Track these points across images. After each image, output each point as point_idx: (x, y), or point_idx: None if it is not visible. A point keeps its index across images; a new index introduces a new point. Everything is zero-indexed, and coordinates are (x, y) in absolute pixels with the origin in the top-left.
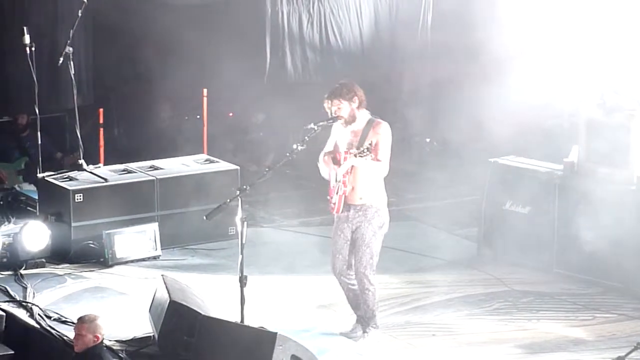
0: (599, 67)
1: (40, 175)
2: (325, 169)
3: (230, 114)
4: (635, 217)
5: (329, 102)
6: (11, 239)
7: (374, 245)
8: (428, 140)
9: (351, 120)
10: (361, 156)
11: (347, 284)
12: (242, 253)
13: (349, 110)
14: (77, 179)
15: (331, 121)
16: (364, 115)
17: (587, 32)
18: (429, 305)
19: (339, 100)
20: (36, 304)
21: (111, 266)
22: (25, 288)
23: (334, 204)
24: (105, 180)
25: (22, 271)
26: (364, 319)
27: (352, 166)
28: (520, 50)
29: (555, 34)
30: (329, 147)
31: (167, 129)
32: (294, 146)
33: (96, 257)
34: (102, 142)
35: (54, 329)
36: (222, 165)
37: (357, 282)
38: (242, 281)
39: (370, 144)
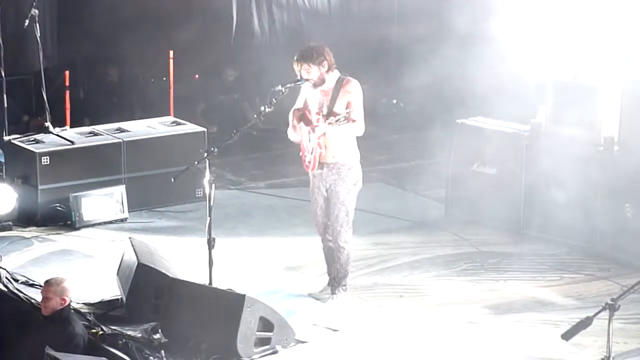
0: (567, 27)
1: (6, 138)
2: (295, 133)
3: (196, 76)
4: (601, 178)
5: (299, 65)
6: None
7: (348, 203)
8: (394, 101)
9: (320, 83)
10: (339, 124)
11: (328, 241)
12: (210, 215)
13: (318, 74)
14: (43, 142)
15: (300, 83)
16: (333, 75)
17: None
18: (396, 267)
19: (309, 65)
20: (3, 267)
21: (78, 229)
22: None
23: (309, 162)
24: (72, 142)
25: None
26: (336, 280)
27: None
28: (490, 10)
29: None
30: (298, 104)
31: (131, 91)
32: (261, 108)
33: (63, 220)
34: (68, 105)
35: (21, 292)
36: (189, 127)
37: (332, 241)
38: (210, 243)
39: (348, 112)
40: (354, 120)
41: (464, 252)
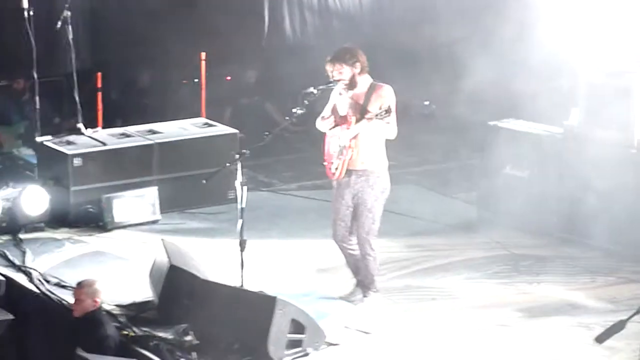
0: (599, 29)
1: (38, 139)
2: (326, 127)
3: (228, 78)
4: (635, 181)
5: (332, 66)
6: (10, 203)
7: (376, 211)
8: (427, 103)
9: (353, 85)
10: (380, 118)
11: (347, 249)
12: (241, 217)
13: (351, 75)
14: (75, 143)
15: (332, 85)
16: (365, 80)
17: None
18: (428, 269)
19: (341, 65)
20: (35, 268)
21: (110, 230)
22: (24, 253)
23: (336, 169)
24: (104, 144)
25: (21, 236)
26: (364, 284)
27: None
28: (520, 12)
29: None
30: (326, 112)
31: (163, 92)
32: (293, 110)
33: (95, 222)
34: (100, 106)
35: (53, 293)
36: (221, 129)
37: (358, 248)
38: (242, 245)
39: (388, 107)
40: (389, 121)
41: (497, 254)
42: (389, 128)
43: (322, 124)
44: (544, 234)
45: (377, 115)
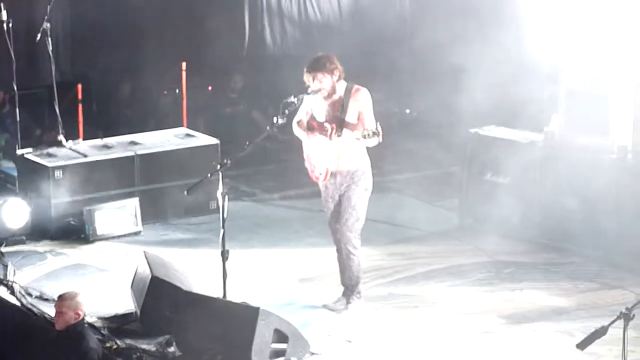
0: (579, 35)
1: (19, 152)
2: (303, 134)
3: (209, 88)
4: (616, 186)
5: (311, 75)
6: None
7: (359, 208)
8: (408, 111)
9: (332, 93)
10: (366, 139)
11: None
12: (223, 227)
13: (331, 83)
14: (56, 156)
15: (312, 94)
16: (341, 84)
17: None
18: (411, 277)
19: (322, 74)
20: (17, 281)
21: (92, 242)
22: (5, 266)
23: (320, 174)
24: (85, 156)
25: (2, 249)
26: (349, 287)
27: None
28: (499, 19)
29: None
30: (300, 116)
31: (144, 103)
32: (274, 119)
33: (77, 234)
34: (81, 118)
35: (35, 306)
36: (202, 140)
37: (342, 247)
38: (224, 255)
39: (377, 127)
40: (379, 133)
41: (479, 261)
42: (375, 140)
43: (299, 130)
44: (526, 240)
45: (364, 136)
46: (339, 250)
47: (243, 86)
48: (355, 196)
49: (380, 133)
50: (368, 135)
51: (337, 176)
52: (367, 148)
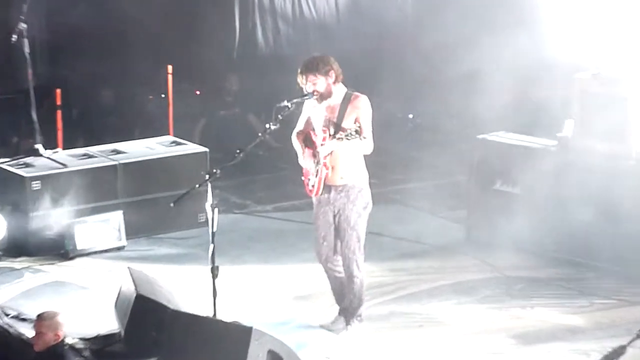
0: (593, 35)
1: None
2: (300, 149)
3: (197, 92)
4: (634, 195)
5: (304, 77)
6: None
7: (359, 228)
8: (410, 116)
9: (327, 95)
10: (348, 139)
11: (333, 271)
12: (213, 242)
13: (325, 85)
14: (34, 165)
15: (306, 97)
16: (340, 90)
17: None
18: (415, 294)
19: (315, 76)
20: None
21: (72, 258)
22: None
23: (313, 186)
24: (65, 165)
25: None
26: (349, 311)
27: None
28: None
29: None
30: (300, 125)
31: (127, 109)
32: (267, 125)
33: (56, 249)
34: (60, 125)
35: (11, 327)
36: (190, 148)
37: (344, 269)
38: (214, 272)
39: (359, 127)
40: (364, 137)
41: (487, 277)
42: (364, 143)
43: (297, 144)
44: (538, 254)
45: (346, 136)
46: (328, 272)
47: (239, 89)
48: (354, 215)
49: (363, 132)
50: (351, 134)
51: (332, 190)
52: (368, 159)
